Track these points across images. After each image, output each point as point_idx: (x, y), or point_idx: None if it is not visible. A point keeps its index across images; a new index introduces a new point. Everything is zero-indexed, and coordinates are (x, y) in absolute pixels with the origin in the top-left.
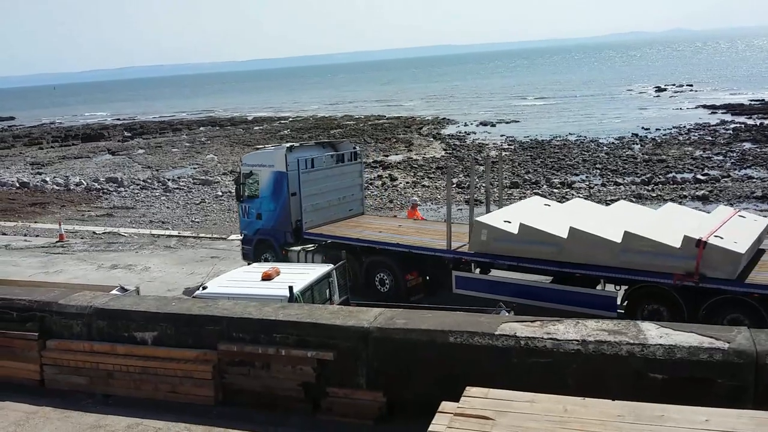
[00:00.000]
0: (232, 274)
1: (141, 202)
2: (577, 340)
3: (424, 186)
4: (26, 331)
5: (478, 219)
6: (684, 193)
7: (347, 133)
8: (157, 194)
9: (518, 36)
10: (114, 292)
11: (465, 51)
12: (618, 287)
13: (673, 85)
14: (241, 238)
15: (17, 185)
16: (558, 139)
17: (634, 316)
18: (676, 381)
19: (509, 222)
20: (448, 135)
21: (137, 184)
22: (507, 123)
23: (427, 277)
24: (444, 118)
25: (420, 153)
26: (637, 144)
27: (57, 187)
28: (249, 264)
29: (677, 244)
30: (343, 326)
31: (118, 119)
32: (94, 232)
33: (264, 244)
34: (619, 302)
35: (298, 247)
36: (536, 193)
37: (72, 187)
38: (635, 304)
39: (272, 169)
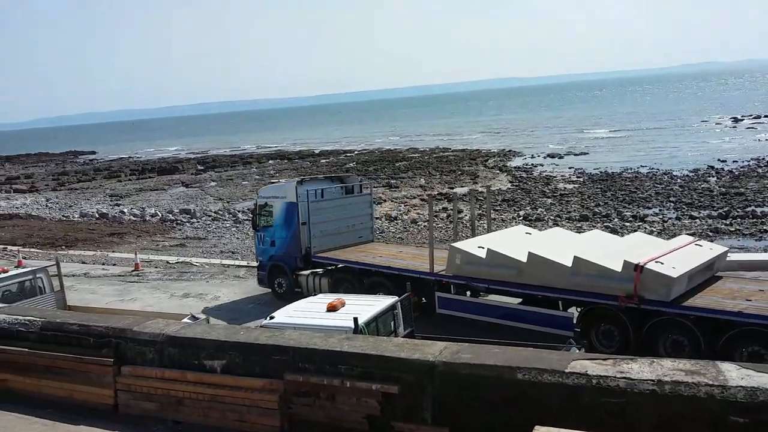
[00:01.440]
0: (298, 304)
1: (212, 233)
2: (652, 380)
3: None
4: (102, 357)
5: (453, 244)
6: (765, 227)
7: (412, 165)
8: (227, 225)
9: (585, 68)
10: (185, 320)
11: (530, 84)
12: (579, 309)
13: (750, 115)
14: (256, 264)
15: (97, 216)
16: (629, 171)
17: (589, 335)
18: (758, 425)
19: (482, 248)
20: (515, 167)
21: (209, 216)
22: (576, 155)
23: (423, 299)
24: (510, 151)
25: (485, 185)
26: (713, 176)
27: (134, 218)
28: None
29: (618, 268)
30: (408, 359)
31: (192, 153)
32: (167, 262)
33: (277, 269)
34: (575, 322)
35: (308, 272)
36: (606, 227)
37: (147, 218)
38: (589, 325)
39: (284, 200)
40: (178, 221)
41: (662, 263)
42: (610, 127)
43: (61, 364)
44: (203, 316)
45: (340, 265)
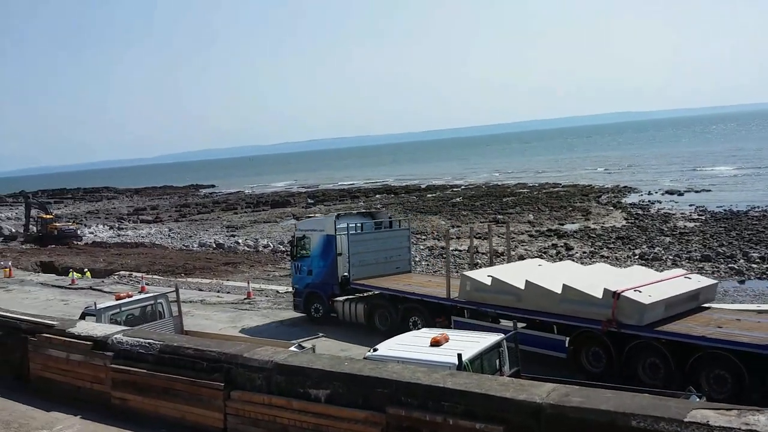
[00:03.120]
0: (401, 337)
1: None
2: None
3: (602, 257)
4: (214, 381)
5: (464, 273)
6: None
7: (520, 201)
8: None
9: (701, 102)
10: (292, 348)
11: (645, 118)
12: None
13: None
14: (293, 291)
15: (214, 246)
16: (757, 209)
17: (578, 357)
18: None
19: (490, 276)
20: (630, 204)
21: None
22: (697, 192)
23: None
24: (625, 187)
25: (598, 222)
26: None
27: (247, 249)
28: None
29: (600, 295)
30: (513, 400)
31: (303, 187)
32: (277, 291)
33: (313, 296)
34: (567, 345)
35: (344, 298)
36: (731, 268)
37: (260, 249)
38: (579, 347)
39: (322, 233)
40: (289, 252)
41: (640, 292)
42: (733, 163)
43: (176, 386)
44: (310, 345)
45: (373, 292)
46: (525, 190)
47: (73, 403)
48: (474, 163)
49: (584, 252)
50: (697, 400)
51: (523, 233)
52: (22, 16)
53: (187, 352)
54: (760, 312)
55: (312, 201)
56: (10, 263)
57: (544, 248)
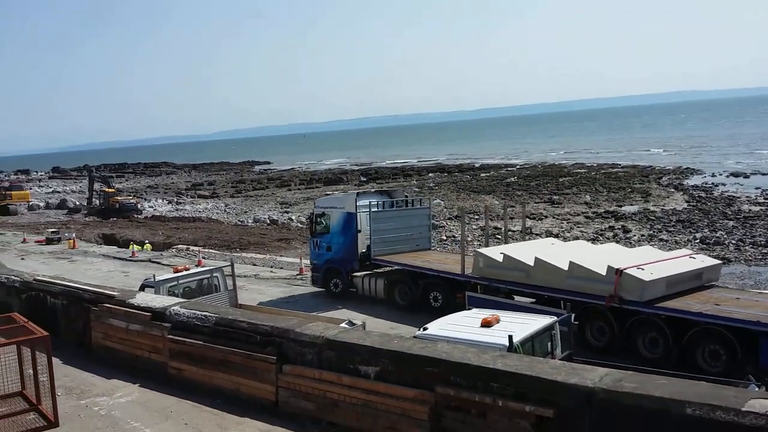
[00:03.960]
0: (452, 317)
1: None
2: None
3: (661, 240)
4: (266, 354)
5: (477, 250)
6: None
7: (577, 181)
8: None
9: (749, 82)
10: (343, 325)
11: (712, 97)
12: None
13: None
14: (311, 267)
15: (268, 222)
16: None
17: (583, 331)
18: None
19: (502, 253)
20: (692, 186)
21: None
22: (763, 175)
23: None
24: (687, 168)
25: (658, 204)
26: None
27: (300, 225)
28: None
29: (604, 272)
30: (565, 383)
31: (356, 165)
32: None
33: (333, 272)
34: (573, 320)
35: (363, 273)
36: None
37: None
38: (584, 322)
39: (343, 210)
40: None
41: (642, 269)
42: None
43: (231, 359)
44: (360, 322)
45: (393, 268)
46: (582, 171)
47: (132, 371)
48: (528, 142)
49: (642, 235)
50: (756, 389)
51: (579, 214)
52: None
53: (241, 326)
54: (758, 292)
55: (365, 179)
56: (74, 235)
57: (601, 230)
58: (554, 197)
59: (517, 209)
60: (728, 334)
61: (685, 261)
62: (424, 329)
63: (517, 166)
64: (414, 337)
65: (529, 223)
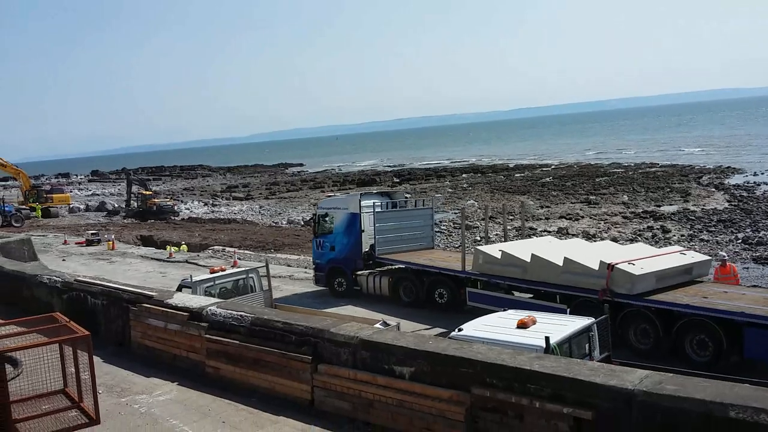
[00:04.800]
0: (487, 318)
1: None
2: None
3: (702, 240)
4: (302, 354)
5: (477, 247)
6: None
7: (614, 181)
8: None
9: None
10: (377, 325)
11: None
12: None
13: None
14: (313, 266)
15: (302, 223)
16: None
17: None
18: None
19: (501, 250)
20: (734, 185)
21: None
22: None
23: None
24: (728, 167)
25: (698, 204)
26: None
27: None
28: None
29: (596, 266)
30: (604, 385)
31: (389, 166)
32: None
33: (336, 271)
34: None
35: (367, 272)
36: None
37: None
38: (579, 315)
39: (346, 211)
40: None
41: (633, 264)
42: None
43: (266, 358)
44: (394, 323)
45: (397, 266)
46: (619, 170)
47: (170, 370)
48: (563, 141)
49: (682, 235)
50: None
51: (616, 215)
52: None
53: (277, 326)
54: (750, 286)
55: (398, 180)
56: (113, 236)
57: (639, 230)
58: (591, 197)
59: (552, 209)
60: (714, 324)
61: (675, 257)
62: (459, 330)
63: (552, 167)
64: (449, 337)
65: (565, 223)
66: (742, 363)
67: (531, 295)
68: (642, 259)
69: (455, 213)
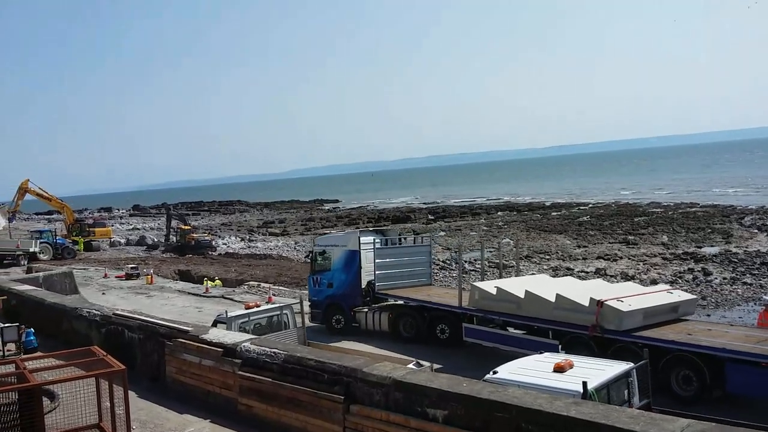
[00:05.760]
0: (523, 361)
1: (439, 282)
2: None
3: (745, 284)
4: (334, 394)
5: (473, 284)
6: None
7: (653, 221)
8: (454, 275)
9: None
10: (410, 366)
11: None
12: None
13: None
14: (309, 303)
15: None
16: None
17: None
18: None
19: (496, 287)
20: None
21: (437, 264)
22: None
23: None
24: None
25: (741, 246)
26: None
27: None
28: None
29: (587, 303)
30: None
31: (424, 203)
32: None
33: (334, 308)
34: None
35: (366, 308)
36: None
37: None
38: (570, 351)
39: (345, 248)
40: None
41: (621, 301)
42: None
43: (298, 396)
44: (428, 364)
45: (396, 302)
46: (658, 210)
47: (203, 407)
48: (601, 180)
49: (724, 278)
50: None
51: (656, 255)
52: (183, 40)
53: (309, 364)
54: (732, 324)
55: (433, 217)
56: (152, 271)
57: (680, 272)
58: (629, 237)
59: (590, 249)
60: (697, 360)
61: (662, 295)
62: (494, 372)
63: (590, 205)
64: (483, 380)
65: (603, 263)
66: (725, 397)
67: (524, 332)
68: (630, 296)
69: (490, 251)
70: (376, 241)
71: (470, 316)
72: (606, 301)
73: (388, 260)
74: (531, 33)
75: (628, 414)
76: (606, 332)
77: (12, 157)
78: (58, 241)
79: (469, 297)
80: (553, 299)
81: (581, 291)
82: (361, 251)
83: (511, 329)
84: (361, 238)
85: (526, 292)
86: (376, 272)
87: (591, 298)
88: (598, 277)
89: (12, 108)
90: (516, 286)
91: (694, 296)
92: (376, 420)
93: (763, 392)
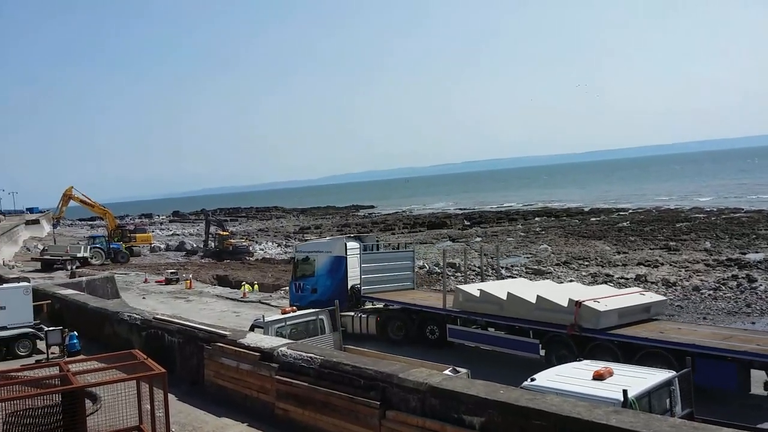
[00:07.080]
0: (561, 368)
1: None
2: None
3: None
4: (370, 399)
5: (457, 286)
6: None
7: (695, 227)
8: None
9: None
10: (447, 372)
11: None
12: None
13: None
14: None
15: None
16: None
17: (550, 358)
18: None
19: (480, 289)
20: None
21: (473, 270)
22: None
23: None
24: None
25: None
26: None
27: None
28: None
29: (566, 303)
30: None
31: (460, 209)
32: None
33: None
34: (540, 347)
35: (352, 312)
36: None
37: (416, 270)
38: (550, 349)
39: (330, 254)
40: (444, 275)
41: (598, 302)
42: None
43: (334, 401)
44: (464, 370)
45: (383, 306)
46: (701, 215)
47: (241, 410)
48: (641, 185)
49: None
50: None
51: (698, 262)
52: (234, 45)
53: (345, 369)
54: (700, 324)
55: (469, 223)
56: (191, 276)
57: (723, 279)
58: (671, 243)
59: (630, 256)
60: (668, 355)
61: (635, 296)
62: (532, 380)
63: (630, 211)
64: (521, 387)
65: (643, 270)
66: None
67: (506, 332)
68: (606, 297)
69: (527, 257)
70: (362, 247)
71: (454, 317)
72: (584, 301)
73: (372, 265)
74: (563, 40)
75: (669, 423)
76: (584, 331)
77: (57, 165)
78: (111, 245)
79: (454, 299)
80: (534, 300)
81: (560, 293)
82: (349, 256)
83: (491, 329)
84: (348, 245)
85: (508, 293)
86: (362, 277)
87: (570, 299)
88: (638, 285)
89: (56, 117)
90: (498, 288)
91: (664, 297)
92: (412, 426)
93: (727, 384)
